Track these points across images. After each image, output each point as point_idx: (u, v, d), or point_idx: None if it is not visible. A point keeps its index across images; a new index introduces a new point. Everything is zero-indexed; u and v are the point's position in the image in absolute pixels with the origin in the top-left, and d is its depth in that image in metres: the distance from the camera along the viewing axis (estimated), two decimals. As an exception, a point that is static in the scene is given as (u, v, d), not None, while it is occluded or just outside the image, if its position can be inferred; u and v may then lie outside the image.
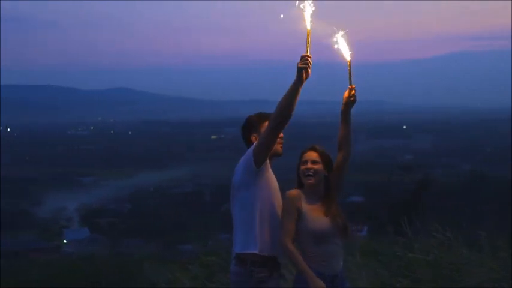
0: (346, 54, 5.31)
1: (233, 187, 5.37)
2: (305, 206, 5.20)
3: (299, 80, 5.01)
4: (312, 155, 5.31)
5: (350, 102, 5.37)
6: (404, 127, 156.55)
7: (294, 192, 5.25)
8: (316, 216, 5.18)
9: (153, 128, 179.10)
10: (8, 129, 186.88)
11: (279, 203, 5.31)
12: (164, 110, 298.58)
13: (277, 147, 5.33)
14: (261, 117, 5.46)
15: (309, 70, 5.02)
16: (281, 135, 5.34)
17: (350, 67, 5.34)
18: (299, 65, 4.99)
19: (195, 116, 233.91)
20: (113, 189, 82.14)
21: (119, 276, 11.32)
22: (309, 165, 5.27)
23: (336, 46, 5.32)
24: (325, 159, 5.31)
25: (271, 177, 5.33)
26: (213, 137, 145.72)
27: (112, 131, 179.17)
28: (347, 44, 5.32)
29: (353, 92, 5.38)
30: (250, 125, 5.48)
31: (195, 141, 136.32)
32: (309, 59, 5.03)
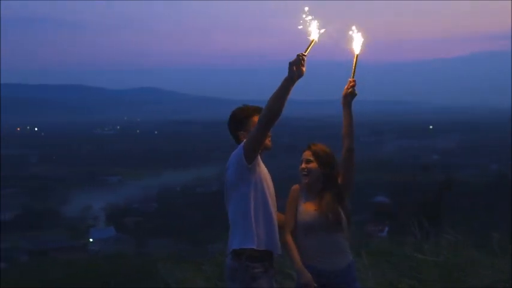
0: (357, 48, 5.34)
1: (226, 183, 5.37)
2: (302, 201, 5.32)
3: (290, 77, 4.97)
4: (306, 154, 5.40)
5: (349, 95, 5.35)
6: (431, 127, 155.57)
7: (295, 187, 5.40)
8: (306, 209, 5.27)
9: (179, 127, 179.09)
10: (36, 129, 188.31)
11: (272, 197, 5.32)
12: (191, 110, 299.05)
13: (266, 141, 5.27)
14: (247, 112, 5.41)
15: (303, 68, 4.97)
16: None
17: (356, 61, 5.35)
18: (291, 61, 4.98)
19: (222, 115, 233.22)
20: (139, 189, 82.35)
21: (135, 276, 11.39)
22: (303, 165, 5.37)
23: (349, 40, 5.36)
24: (321, 157, 5.34)
25: (263, 171, 5.32)
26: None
27: (138, 131, 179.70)
28: (359, 39, 5.36)
29: (352, 84, 5.35)
30: (236, 121, 5.43)
31: (221, 140, 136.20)
32: (303, 57, 4.99)
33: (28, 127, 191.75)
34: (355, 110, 5.42)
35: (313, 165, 5.34)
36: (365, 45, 5.37)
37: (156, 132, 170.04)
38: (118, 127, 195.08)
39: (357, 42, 5.35)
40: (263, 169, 5.33)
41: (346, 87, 5.35)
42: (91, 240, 57.06)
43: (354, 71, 5.37)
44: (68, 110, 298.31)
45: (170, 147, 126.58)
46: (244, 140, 5.23)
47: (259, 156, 5.27)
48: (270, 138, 5.33)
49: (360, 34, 5.37)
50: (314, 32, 5.16)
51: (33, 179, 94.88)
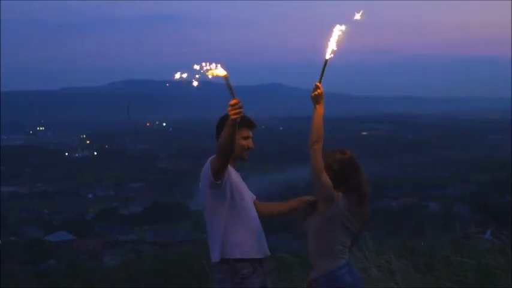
0: (328, 52, 5.16)
1: (202, 196, 5.50)
2: None
3: (231, 125, 5.11)
4: None
5: (314, 98, 5.26)
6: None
7: None
8: None
9: (304, 124, 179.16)
10: (164, 124, 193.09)
11: (246, 203, 5.51)
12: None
13: (243, 154, 5.55)
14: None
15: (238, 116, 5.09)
16: (250, 145, 5.56)
17: (325, 66, 5.21)
18: (232, 117, 5.10)
19: (347, 112, 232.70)
20: (263, 184, 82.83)
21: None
22: None
23: (327, 43, 5.17)
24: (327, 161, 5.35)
25: (234, 180, 5.46)
26: (363, 133, 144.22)
27: (263, 126, 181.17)
28: (333, 45, 5.15)
29: (316, 86, 5.24)
30: (220, 131, 5.42)
31: (345, 137, 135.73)
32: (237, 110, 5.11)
33: (157, 122, 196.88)
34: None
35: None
36: (335, 53, 5.16)
37: (281, 128, 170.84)
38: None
39: (330, 47, 5.16)
40: (234, 178, 5.47)
41: (312, 91, 5.26)
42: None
43: (322, 76, 5.26)
44: (194, 106, 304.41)
45: (295, 143, 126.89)
46: (211, 158, 5.36)
47: (229, 168, 5.39)
48: (247, 152, 5.59)
49: (335, 40, 5.15)
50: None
51: (161, 173, 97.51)
